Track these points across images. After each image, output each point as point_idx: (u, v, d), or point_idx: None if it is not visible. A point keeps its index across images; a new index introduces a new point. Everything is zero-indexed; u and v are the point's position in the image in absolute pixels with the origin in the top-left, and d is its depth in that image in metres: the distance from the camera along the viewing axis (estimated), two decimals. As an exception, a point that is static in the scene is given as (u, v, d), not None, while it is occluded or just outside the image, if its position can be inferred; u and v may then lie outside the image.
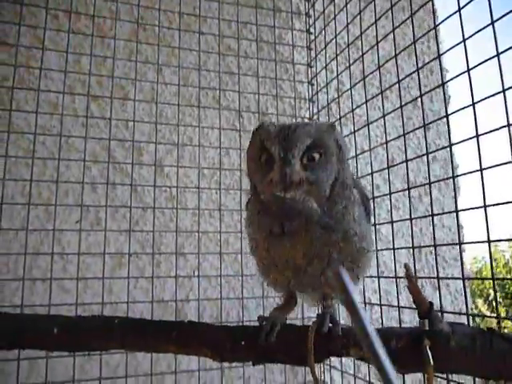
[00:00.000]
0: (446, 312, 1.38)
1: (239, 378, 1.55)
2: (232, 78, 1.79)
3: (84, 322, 0.92)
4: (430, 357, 0.63)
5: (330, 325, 0.83)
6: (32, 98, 1.52)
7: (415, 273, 1.22)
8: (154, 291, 1.52)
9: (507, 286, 5.35)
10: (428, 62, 1.21)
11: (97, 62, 1.62)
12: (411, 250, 1.25)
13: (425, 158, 1.16)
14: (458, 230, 1.07)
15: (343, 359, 1.58)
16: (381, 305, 1.31)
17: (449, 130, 1.15)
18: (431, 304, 0.65)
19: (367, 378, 1.41)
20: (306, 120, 1.86)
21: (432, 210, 1.15)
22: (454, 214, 1.08)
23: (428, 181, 1.13)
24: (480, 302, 5.54)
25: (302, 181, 0.79)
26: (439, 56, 1.13)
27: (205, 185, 1.67)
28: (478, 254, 6.01)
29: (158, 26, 1.69)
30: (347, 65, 1.61)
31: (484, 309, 5.43)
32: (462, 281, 1.05)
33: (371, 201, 1.41)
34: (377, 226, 1.86)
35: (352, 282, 0.86)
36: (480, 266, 6.15)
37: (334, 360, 1.63)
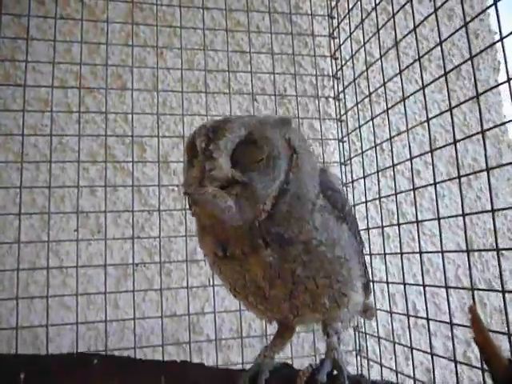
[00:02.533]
0: None
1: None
2: (243, 57, 1.57)
3: (56, 361, 0.76)
4: None
5: (335, 372, 0.66)
6: (20, 95, 1.37)
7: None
8: (165, 304, 1.36)
9: None
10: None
11: (90, 50, 1.45)
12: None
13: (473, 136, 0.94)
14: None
15: (381, 349, 1.36)
16: (428, 319, 1.07)
17: None
18: (511, 362, 0.43)
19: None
20: (331, 100, 1.62)
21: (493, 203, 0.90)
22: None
23: (486, 166, 0.89)
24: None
25: (228, 180, 0.61)
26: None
27: (217, 181, 1.47)
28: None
29: (156, 4, 1.48)
30: (376, 32, 1.36)
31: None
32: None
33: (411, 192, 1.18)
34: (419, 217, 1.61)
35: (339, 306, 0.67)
36: None
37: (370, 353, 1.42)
